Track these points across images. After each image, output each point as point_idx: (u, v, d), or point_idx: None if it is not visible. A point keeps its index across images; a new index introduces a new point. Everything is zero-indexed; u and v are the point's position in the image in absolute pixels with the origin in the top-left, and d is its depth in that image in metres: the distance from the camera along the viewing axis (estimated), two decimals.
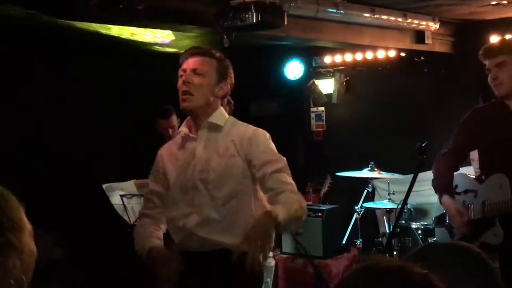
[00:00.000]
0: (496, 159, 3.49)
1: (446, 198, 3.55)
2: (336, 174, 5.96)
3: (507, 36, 5.90)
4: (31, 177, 5.52)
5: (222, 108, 2.90)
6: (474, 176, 3.76)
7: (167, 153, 2.93)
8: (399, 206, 5.21)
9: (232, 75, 2.89)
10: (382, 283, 1.15)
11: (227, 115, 2.92)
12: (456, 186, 3.63)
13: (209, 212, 2.74)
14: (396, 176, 5.59)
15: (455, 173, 3.68)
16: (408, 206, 5.21)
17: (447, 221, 3.78)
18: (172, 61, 3.07)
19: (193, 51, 2.82)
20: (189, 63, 2.78)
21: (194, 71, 2.76)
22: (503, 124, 3.47)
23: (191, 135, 2.85)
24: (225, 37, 3.59)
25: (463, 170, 3.89)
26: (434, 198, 5.73)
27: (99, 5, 3.10)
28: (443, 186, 3.61)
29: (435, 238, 5.08)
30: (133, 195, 4.83)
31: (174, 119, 5.03)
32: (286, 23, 3.95)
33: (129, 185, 4.95)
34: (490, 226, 3.41)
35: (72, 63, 5.94)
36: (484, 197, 3.48)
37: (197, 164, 2.78)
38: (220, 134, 2.84)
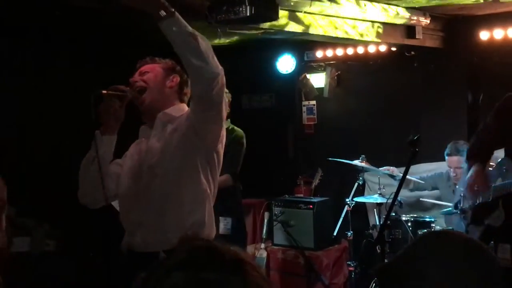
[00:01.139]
0: None
1: (480, 167, 3.60)
2: (328, 159, 5.90)
3: (495, 32, 5.92)
4: (28, 169, 5.51)
5: (182, 104, 2.99)
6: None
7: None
8: (389, 200, 5.24)
9: (181, 72, 2.95)
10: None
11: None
12: None
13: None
14: (385, 169, 5.58)
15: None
16: (399, 198, 5.21)
17: (460, 206, 3.86)
18: None
19: (137, 65, 3.01)
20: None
21: (140, 73, 2.94)
22: None
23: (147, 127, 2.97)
24: (218, 30, 3.56)
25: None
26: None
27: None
28: (478, 156, 3.67)
29: (425, 230, 5.11)
30: None
31: None
32: (279, 16, 3.93)
33: None
34: (495, 208, 3.52)
35: None
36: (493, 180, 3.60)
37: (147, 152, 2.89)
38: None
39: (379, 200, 5.47)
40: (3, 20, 4.91)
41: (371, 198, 5.69)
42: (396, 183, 4.46)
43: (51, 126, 5.71)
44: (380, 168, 5.58)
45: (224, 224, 4.63)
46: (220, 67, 2.63)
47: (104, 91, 2.79)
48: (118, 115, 2.88)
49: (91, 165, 2.84)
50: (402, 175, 3.22)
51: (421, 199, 5.89)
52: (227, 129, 4.77)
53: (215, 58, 2.61)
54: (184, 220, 2.74)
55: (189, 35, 2.51)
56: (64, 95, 5.73)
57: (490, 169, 3.79)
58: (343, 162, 5.65)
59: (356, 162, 5.69)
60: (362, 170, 5.74)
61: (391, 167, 5.55)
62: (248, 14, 3.71)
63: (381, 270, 1.59)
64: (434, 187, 5.72)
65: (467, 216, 3.77)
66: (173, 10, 2.49)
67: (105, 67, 5.68)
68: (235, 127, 4.87)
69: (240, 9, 3.69)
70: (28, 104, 5.67)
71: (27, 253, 4.95)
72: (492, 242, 3.40)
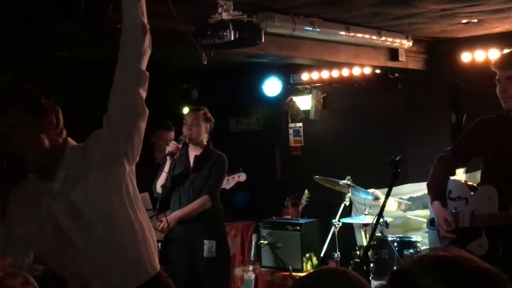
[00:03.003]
0: (493, 170, 3.50)
1: (436, 204, 3.61)
2: (315, 176, 5.89)
3: (477, 53, 6.00)
4: None
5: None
6: (468, 183, 3.77)
7: None
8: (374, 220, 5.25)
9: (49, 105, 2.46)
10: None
11: None
12: (450, 191, 3.67)
13: None
14: (370, 192, 5.59)
15: (451, 178, 3.72)
16: (384, 218, 5.23)
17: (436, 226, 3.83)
18: None
19: None
20: None
21: None
22: (506, 137, 3.45)
23: None
24: (203, 55, 3.59)
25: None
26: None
27: (81, 23, 3.09)
28: (436, 191, 3.67)
29: (411, 250, 5.12)
30: None
31: (173, 135, 5.45)
32: (263, 40, 3.96)
33: None
34: (477, 236, 3.43)
35: None
36: (473, 207, 3.49)
37: None
38: None
39: (366, 220, 5.47)
40: None
41: (358, 219, 5.70)
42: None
43: None
44: (368, 190, 5.59)
45: (209, 247, 4.62)
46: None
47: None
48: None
49: None
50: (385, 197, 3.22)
51: (408, 216, 5.91)
52: (208, 151, 4.81)
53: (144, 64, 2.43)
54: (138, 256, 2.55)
55: (141, 25, 2.35)
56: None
57: (467, 183, 3.79)
58: (328, 179, 5.65)
59: (342, 182, 5.71)
60: (348, 191, 5.76)
61: (376, 190, 5.57)
62: (232, 39, 3.73)
63: None
64: (425, 205, 5.74)
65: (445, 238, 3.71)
66: None
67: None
68: (217, 151, 4.88)
69: (225, 33, 3.71)
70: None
71: None
72: None
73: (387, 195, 3.16)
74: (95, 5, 2.95)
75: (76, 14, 2.88)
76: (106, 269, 2.49)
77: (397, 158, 3.05)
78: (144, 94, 2.42)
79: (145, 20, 2.38)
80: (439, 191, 3.68)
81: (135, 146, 2.48)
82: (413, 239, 5.30)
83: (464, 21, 5.32)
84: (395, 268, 1.22)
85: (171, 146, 4.67)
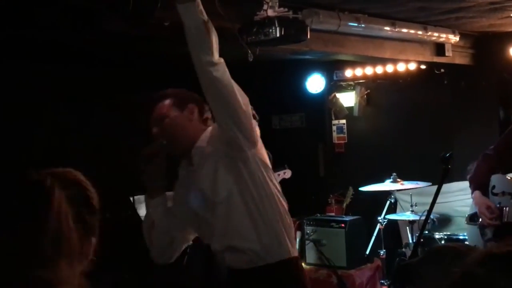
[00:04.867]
0: None
1: (477, 193, 3.60)
2: (359, 189, 5.91)
3: None
4: None
5: (208, 128, 2.87)
6: None
7: None
8: (422, 217, 5.17)
9: (193, 95, 2.84)
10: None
11: None
12: (494, 186, 3.63)
13: None
14: (420, 184, 5.53)
15: (495, 175, 3.67)
16: (432, 216, 5.15)
17: (480, 220, 3.76)
18: None
19: (148, 108, 2.92)
20: None
21: (156, 121, 2.84)
22: None
23: None
24: (249, 51, 3.58)
25: None
26: (459, 208, 5.68)
27: (127, 21, 3.12)
28: (478, 183, 3.64)
29: None
30: None
31: None
32: (308, 37, 3.93)
33: None
34: None
35: None
36: None
37: None
38: None
39: (412, 217, 5.40)
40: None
41: (404, 216, 5.62)
42: (429, 201, 4.40)
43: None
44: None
45: None
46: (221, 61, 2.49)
47: (142, 167, 2.73)
48: (159, 174, 2.76)
49: (152, 229, 2.83)
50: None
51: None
52: None
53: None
54: (262, 234, 2.66)
55: (202, 23, 2.38)
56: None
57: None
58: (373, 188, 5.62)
59: (388, 181, 5.65)
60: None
61: None
62: (278, 35, 3.71)
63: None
64: None
65: (487, 232, 3.66)
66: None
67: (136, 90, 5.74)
68: None
69: (270, 30, 3.70)
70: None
71: None
72: None
73: (437, 192, 3.11)
74: (143, 3, 2.96)
75: (125, 12, 2.90)
76: (234, 246, 2.66)
77: (447, 155, 3.00)
78: (225, 77, 2.47)
79: (205, 16, 2.42)
80: (480, 184, 3.66)
81: (243, 129, 2.57)
82: (461, 237, 5.20)
83: None
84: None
85: None
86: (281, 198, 2.75)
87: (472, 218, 3.75)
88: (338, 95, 7.31)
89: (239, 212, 2.64)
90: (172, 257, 2.92)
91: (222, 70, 2.46)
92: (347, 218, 6.15)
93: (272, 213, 2.67)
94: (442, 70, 6.41)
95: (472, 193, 3.71)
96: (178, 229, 2.84)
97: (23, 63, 5.55)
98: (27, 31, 4.07)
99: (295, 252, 2.77)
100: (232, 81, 2.51)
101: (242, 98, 2.54)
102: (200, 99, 2.75)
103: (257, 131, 2.77)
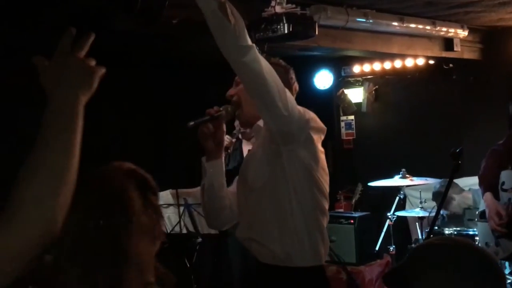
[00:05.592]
0: None
1: (489, 196, 3.58)
2: (368, 185, 5.89)
3: None
4: None
5: None
6: None
7: None
8: (431, 214, 5.15)
9: None
10: None
11: None
12: (503, 182, 3.62)
13: None
14: (429, 180, 5.51)
15: (504, 171, 3.65)
16: (441, 212, 5.13)
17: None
18: None
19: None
20: None
21: (235, 83, 2.73)
22: None
23: None
24: (257, 48, 3.57)
25: None
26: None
27: (136, 19, 3.11)
28: (488, 183, 3.64)
29: None
30: (169, 204, 4.84)
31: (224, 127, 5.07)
32: (317, 33, 3.92)
33: (165, 195, 4.97)
34: None
35: None
36: None
37: None
38: None
39: (421, 213, 5.38)
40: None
41: (413, 212, 5.60)
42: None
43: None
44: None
45: None
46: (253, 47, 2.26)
47: (191, 123, 2.56)
48: (218, 138, 2.68)
49: (206, 193, 2.75)
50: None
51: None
52: None
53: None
54: (286, 235, 2.54)
55: (218, 6, 2.12)
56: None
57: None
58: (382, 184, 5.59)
59: (397, 177, 5.63)
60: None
61: None
62: (286, 32, 3.71)
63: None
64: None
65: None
66: None
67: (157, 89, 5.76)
68: None
69: (278, 27, 3.70)
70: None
71: None
72: None
73: (447, 187, 3.08)
74: (151, 1, 2.96)
75: (134, 10, 2.89)
76: (254, 239, 2.58)
77: (457, 150, 2.97)
78: (257, 64, 2.24)
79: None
80: (491, 183, 3.64)
81: (280, 124, 2.42)
82: (471, 233, 5.17)
83: None
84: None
85: (225, 141, 4.66)
86: (322, 204, 2.61)
87: (483, 215, 3.73)
88: (346, 91, 7.29)
89: (268, 207, 2.54)
90: (223, 225, 2.85)
91: (251, 56, 2.22)
92: (356, 214, 6.12)
93: (303, 217, 2.53)
94: (451, 65, 6.39)
95: (483, 194, 3.68)
96: (229, 198, 2.76)
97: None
98: (36, 31, 4.08)
99: (320, 261, 2.62)
100: (269, 71, 2.30)
101: (280, 91, 2.35)
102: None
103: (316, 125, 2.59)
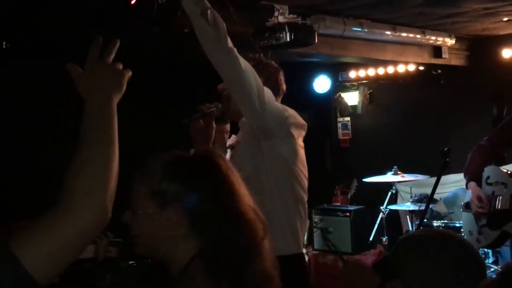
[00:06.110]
0: None
1: (473, 184, 3.59)
2: (363, 180, 5.90)
3: None
4: None
5: None
6: (507, 171, 3.70)
7: None
8: (421, 208, 5.15)
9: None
10: None
11: None
12: (488, 177, 3.63)
13: None
14: (419, 176, 5.51)
15: (488, 166, 3.66)
16: (431, 206, 5.12)
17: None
18: None
19: None
20: None
21: None
22: None
23: None
24: (261, 55, 3.58)
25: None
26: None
27: (154, 27, 3.11)
28: (472, 174, 3.64)
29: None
30: None
31: (228, 127, 4.58)
32: (316, 41, 3.92)
33: None
34: None
35: None
36: None
37: None
38: None
39: (412, 207, 5.38)
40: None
41: (404, 206, 5.60)
42: (428, 191, 4.40)
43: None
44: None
45: None
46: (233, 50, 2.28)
47: (185, 120, 2.59)
48: (208, 134, 2.67)
49: None
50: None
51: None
52: None
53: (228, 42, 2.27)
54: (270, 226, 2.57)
55: (200, 13, 2.16)
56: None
57: (506, 170, 3.71)
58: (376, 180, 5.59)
59: (389, 174, 5.63)
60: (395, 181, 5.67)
61: None
62: (288, 40, 3.72)
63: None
64: None
65: (481, 219, 3.64)
66: None
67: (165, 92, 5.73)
68: None
69: (281, 35, 3.70)
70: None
71: (92, 259, 5.02)
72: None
73: (436, 183, 3.09)
74: (165, 9, 2.95)
75: (149, 17, 2.89)
76: None
77: (445, 149, 2.98)
78: (234, 63, 2.28)
79: (206, 4, 2.21)
80: (475, 175, 3.64)
81: (258, 121, 2.46)
82: (457, 225, 5.16)
83: (506, 19, 5.15)
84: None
85: (231, 140, 4.62)
86: (301, 195, 2.64)
87: (467, 206, 3.73)
88: (343, 94, 7.30)
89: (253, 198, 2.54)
90: None
91: (230, 57, 2.27)
92: (352, 208, 6.13)
93: (285, 208, 2.55)
94: (439, 71, 6.38)
95: (467, 183, 3.69)
96: None
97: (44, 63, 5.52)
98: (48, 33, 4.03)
99: (300, 248, 2.60)
100: (248, 70, 2.33)
101: (259, 89, 2.37)
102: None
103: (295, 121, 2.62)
